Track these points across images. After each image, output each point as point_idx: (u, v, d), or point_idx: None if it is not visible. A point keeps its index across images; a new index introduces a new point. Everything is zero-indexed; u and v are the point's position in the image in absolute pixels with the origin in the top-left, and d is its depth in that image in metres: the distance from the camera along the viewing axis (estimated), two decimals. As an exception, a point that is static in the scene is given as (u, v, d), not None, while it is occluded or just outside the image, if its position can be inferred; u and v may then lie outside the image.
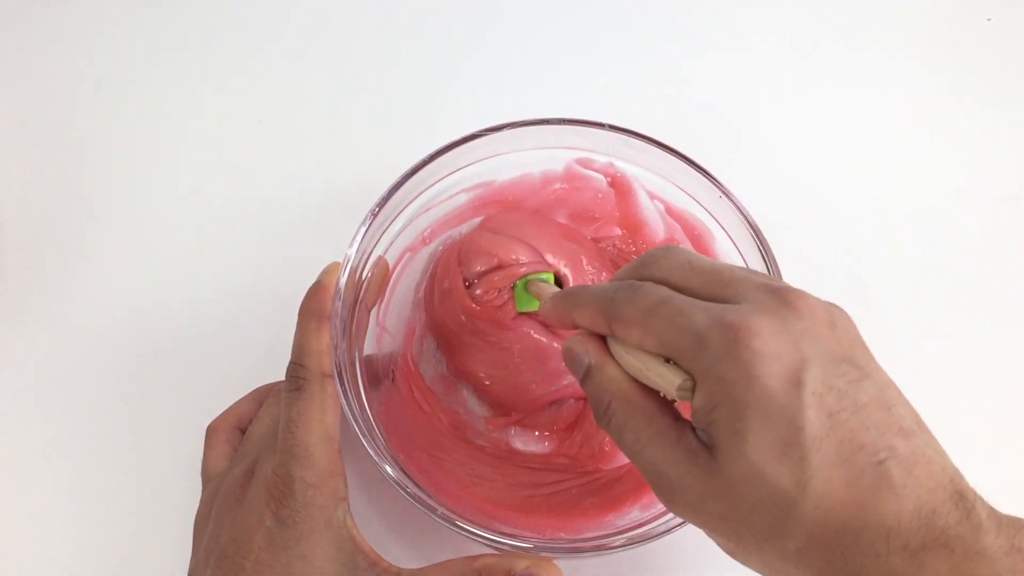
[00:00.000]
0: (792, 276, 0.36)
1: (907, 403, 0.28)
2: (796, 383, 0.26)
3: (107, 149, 0.53)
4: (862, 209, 0.53)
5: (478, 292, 0.41)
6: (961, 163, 0.55)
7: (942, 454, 0.27)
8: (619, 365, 0.31)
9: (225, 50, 0.57)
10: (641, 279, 0.31)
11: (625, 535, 0.36)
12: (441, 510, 0.36)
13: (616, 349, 0.31)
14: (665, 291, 0.30)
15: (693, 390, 0.28)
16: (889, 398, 0.27)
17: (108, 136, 0.54)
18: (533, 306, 0.40)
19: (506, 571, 0.34)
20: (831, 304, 0.29)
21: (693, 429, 0.29)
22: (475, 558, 0.35)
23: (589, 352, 0.31)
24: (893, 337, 0.38)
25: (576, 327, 0.33)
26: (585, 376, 0.32)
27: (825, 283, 0.34)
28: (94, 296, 0.49)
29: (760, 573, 0.29)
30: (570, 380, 0.42)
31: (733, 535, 0.28)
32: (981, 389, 0.48)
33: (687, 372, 0.28)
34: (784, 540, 0.26)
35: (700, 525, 0.29)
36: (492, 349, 0.42)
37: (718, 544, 0.30)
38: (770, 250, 0.40)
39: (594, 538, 0.37)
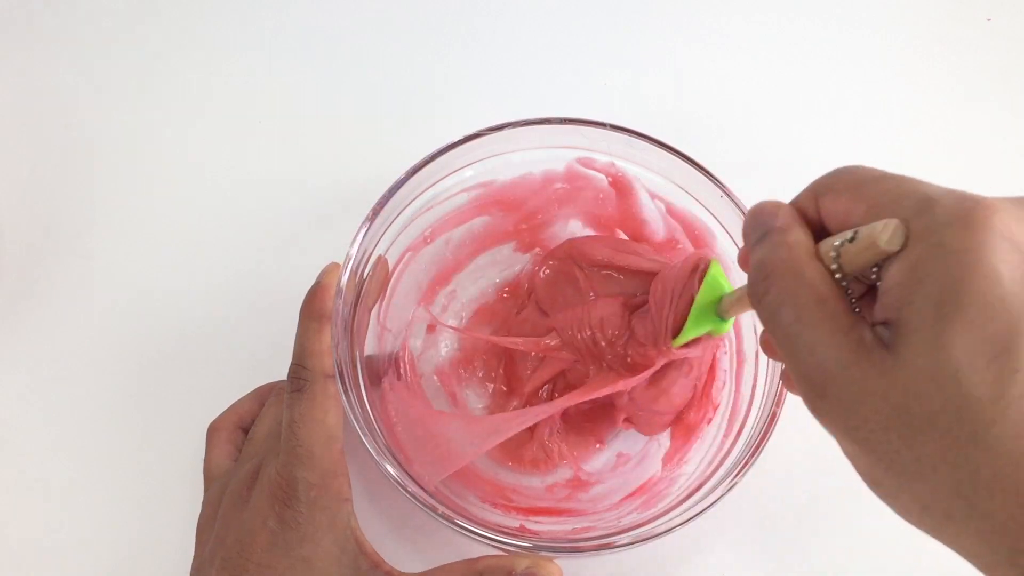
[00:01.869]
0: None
1: None
2: None
3: (107, 149, 0.53)
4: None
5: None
6: (961, 163, 0.55)
7: None
8: (809, 234, 0.26)
9: (225, 50, 0.57)
10: None
11: (626, 534, 0.37)
12: (442, 509, 0.36)
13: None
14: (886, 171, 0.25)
15: (904, 245, 0.23)
16: None
17: (108, 136, 0.54)
18: (706, 325, 0.35)
19: (507, 572, 0.34)
20: None
21: (871, 327, 0.24)
22: (476, 560, 0.35)
23: (782, 213, 0.27)
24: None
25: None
26: (760, 239, 0.26)
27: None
28: (94, 296, 0.49)
29: (905, 512, 0.24)
30: None
31: (891, 452, 0.22)
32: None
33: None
34: (963, 468, 0.21)
35: (846, 431, 0.24)
36: None
37: (859, 468, 0.25)
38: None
39: (595, 537, 0.37)
